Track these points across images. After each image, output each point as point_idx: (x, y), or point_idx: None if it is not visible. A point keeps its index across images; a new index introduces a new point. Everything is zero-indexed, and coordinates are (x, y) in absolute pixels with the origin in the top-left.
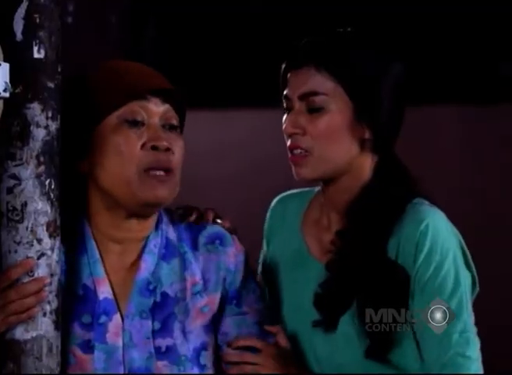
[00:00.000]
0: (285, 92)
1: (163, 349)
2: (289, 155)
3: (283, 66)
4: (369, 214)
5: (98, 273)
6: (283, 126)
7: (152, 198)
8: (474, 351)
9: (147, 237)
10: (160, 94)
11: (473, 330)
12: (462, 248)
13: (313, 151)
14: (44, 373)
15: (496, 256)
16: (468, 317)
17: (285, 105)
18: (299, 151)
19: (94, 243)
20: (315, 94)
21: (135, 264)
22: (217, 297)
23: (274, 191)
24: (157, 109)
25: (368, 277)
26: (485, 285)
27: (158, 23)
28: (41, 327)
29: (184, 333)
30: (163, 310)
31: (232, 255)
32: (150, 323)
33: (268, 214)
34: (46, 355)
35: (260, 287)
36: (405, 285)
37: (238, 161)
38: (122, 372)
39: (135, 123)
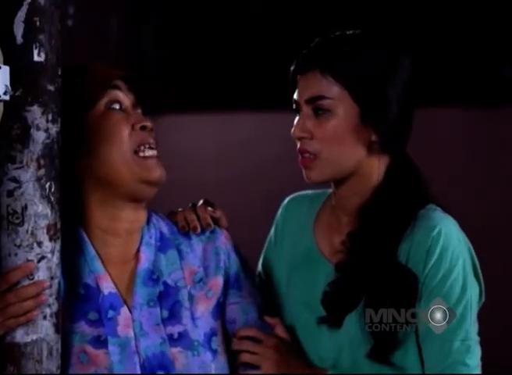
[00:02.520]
0: (294, 96)
1: (175, 336)
2: (300, 157)
3: (291, 69)
4: (381, 218)
5: (98, 269)
6: (292, 130)
7: (151, 177)
8: (475, 359)
9: (142, 230)
10: (128, 81)
11: (475, 339)
12: (472, 258)
13: (320, 154)
14: None
15: (497, 257)
16: (471, 326)
17: (294, 107)
18: (307, 154)
19: (88, 241)
20: (321, 98)
21: (133, 256)
22: (218, 280)
23: (275, 193)
24: (129, 96)
25: (376, 279)
26: (485, 285)
27: (158, 26)
28: (41, 330)
29: (193, 319)
30: (168, 299)
31: (225, 239)
32: (158, 310)
33: (279, 211)
34: (46, 358)
35: (253, 276)
36: (413, 289)
37: (239, 164)
38: (137, 361)
39: (119, 109)
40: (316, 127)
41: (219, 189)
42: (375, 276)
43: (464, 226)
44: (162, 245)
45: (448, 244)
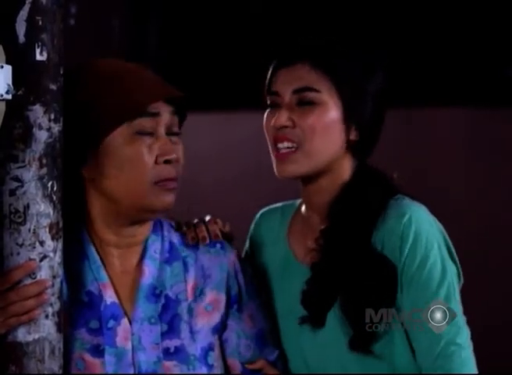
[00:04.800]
0: (273, 89)
1: (172, 350)
2: (274, 152)
3: (273, 64)
4: (351, 210)
5: (102, 278)
6: (272, 121)
7: (161, 206)
8: (465, 339)
9: (146, 241)
10: (168, 103)
11: (462, 318)
12: (446, 240)
13: (302, 144)
14: None
15: (499, 256)
16: (457, 306)
17: (269, 101)
18: (286, 144)
19: (93, 248)
20: (310, 90)
21: (136, 267)
22: (221, 297)
23: (276, 193)
24: (165, 119)
25: (353, 272)
26: (485, 285)
27: (160, 26)
28: (44, 329)
29: (192, 333)
30: (167, 312)
31: (232, 261)
32: (159, 328)
33: (252, 227)
34: (48, 358)
35: (260, 296)
36: (393, 276)
37: (240, 163)
38: (132, 374)
39: (146, 134)
40: (300, 117)
41: (219, 188)
42: (352, 269)
43: (466, 226)
44: (170, 257)
45: (420, 229)
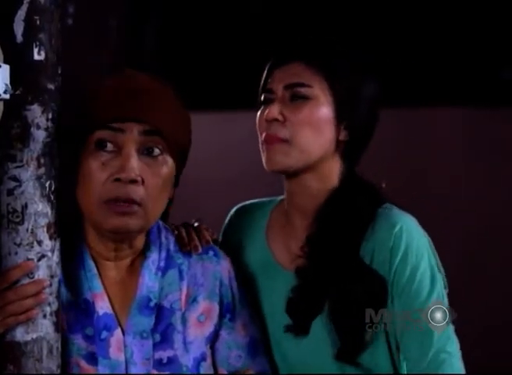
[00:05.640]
0: (268, 86)
1: (164, 361)
2: (264, 145)
3: (269, 63)
4: (339, 218)
5: (96, 288)
6: (265, 113)
7: (109, 228)
8: (454, 347)
9: (144, 253)
10: (140, 123)
11: (451, 327)
12: (432, 250)
13: (291, 139)
14: (44, 374)
15: (498, 256)
16: None
17: (263, 98)
18: (276, 142)
19: (90, 257)
20: (301, 85)
21: (133, 278)
22: (214, 307)
23: (275, 192)
24: (133, 137)
25: (341, 282)
26: (485, 285)
27: (159, 25)
28: (41, 329)
29: (185, 343)
30: (161, 323)
31: (226, 269)
32: (151, 343)
33: (226, 222)
34: (46, 357)
35: (250, 305)
36: (381, 289)
37: (238, 163)
38: None
39: (107, 150)
40: (291, 112)
41: (218, 188)
42: (339, 279)
43: (465, 226)
44: (165, 266)
45: (411, 239)
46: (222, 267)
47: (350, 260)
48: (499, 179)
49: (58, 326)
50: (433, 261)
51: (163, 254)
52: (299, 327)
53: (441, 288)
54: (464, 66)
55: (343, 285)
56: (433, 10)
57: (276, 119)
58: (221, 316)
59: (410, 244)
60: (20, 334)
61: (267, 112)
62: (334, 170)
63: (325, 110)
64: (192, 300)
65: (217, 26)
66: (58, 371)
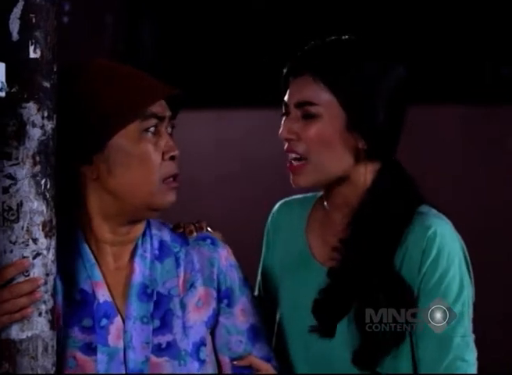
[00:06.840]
0: (284, 98)
1: (163, 345)
2: (288, 163)
3: (284, 71)
4: (374, 224)
5: (96, 276)
6: (279, 131)
7: (166, 204)
8: (472, 356)
9: (137, 240)
10: (170, 100)
11: (472, 336)
12: (466, 258)
13: (309, 157)
14: (39, 372)
15: (496, 255)
16: (469, 323)
17: (283, 110)
18: (293, 156)
19: (87, 246)
20: (310, 104)
21: (128, 265)
22: (210, 292)
23: (269, 190)
24: (167, 116)
25: (369, 287)
26: (485, 285)
27: (154, 23)
28: (37, 327)
29: (184, 328)
30: (159, 309)
31: (224, 257)
32: (151, 328)
33: (270, 218)
34: (41, 355)
35: (253, 293)
36: (408, 299)
37: (234, 160)
38: (123, 372)
39: (151, 133)
40: (302, 129)
41: (216, 186)
42: (369, 284)
43: (463, 225)
44: (161, 254)
45: (444, 243)
46: (219, 255)
47: (382, 268)
48: (498, 177)
49: (53, 324)
50: (464, 269)
51: (156, 243)
52: (324, 329)
53: (467, 297)
54: (463, 65)
55: (371, 292)
56: (433, 9)
57: (290, 139)
58: (219, 301)
59: (443, 248)
60: (15, 332)
61: (281, 129)
62: (363, 175)
63: (335, 126)
64: (190, 285)
65: (214, 23)
66: (54, 369)
